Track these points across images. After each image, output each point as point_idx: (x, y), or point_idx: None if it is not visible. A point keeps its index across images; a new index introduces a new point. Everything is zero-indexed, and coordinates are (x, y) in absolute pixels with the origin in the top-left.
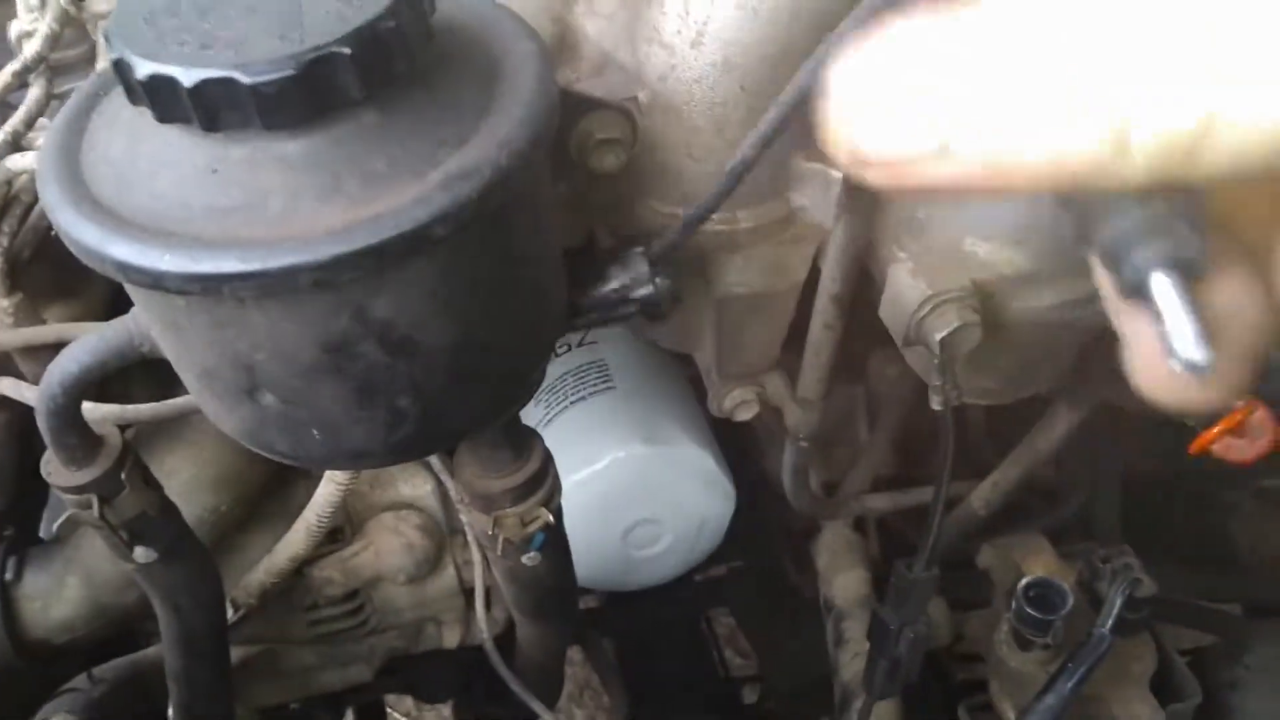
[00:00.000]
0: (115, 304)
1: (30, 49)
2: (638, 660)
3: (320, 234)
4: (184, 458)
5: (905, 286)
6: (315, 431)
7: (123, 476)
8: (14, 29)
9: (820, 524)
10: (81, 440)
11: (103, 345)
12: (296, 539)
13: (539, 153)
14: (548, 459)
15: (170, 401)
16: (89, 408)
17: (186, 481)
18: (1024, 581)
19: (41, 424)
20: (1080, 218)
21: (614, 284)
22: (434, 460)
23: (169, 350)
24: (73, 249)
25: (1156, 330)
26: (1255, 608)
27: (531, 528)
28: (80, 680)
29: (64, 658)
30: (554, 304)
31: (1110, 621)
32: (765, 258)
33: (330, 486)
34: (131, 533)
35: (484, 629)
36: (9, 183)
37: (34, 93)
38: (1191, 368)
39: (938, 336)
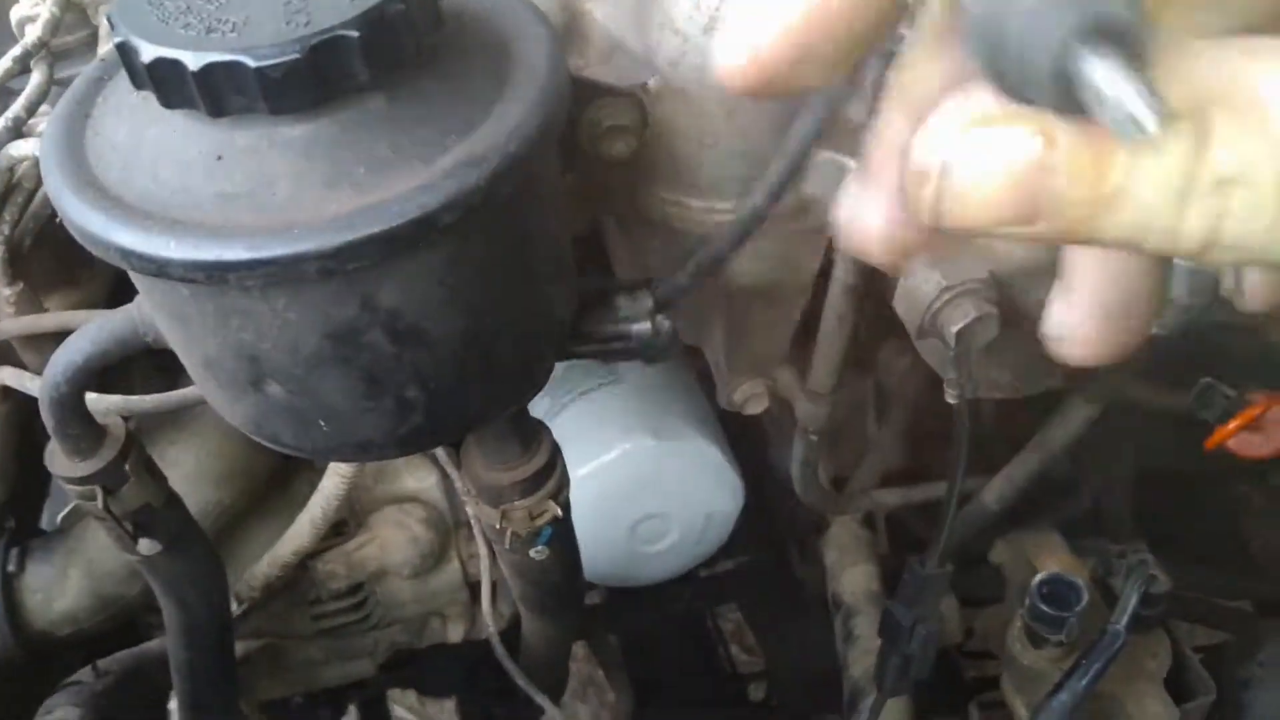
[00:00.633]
0: (118, 293)
1: (32, 34)
2: (643, 656)
3: (326, 221)
4: (188, 449)
5: (921, 278)
6: (321, 422)
7: (127, 468)
8: (15, 14)
9: (829, 519)
10: (85, 431)
11: (106, 334)
12: (301, 532)
13: (548, 140)
14: (556, 452)
15: (174, 392)
16: (92, 399)
17: (190, 473)
18: (1038, 578)
19: (45, 414)
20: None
21: (617, 316)
22: (439, 453)
23: (173, 339)
24: (77, 236)
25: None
26: (1269, 605)
27: (539, 521)
28: (84, 673)
29: (67, 650)
30: (562, 293)
31: (1125, 618)
32: (776, 249)
33: (335, 479)
34: (135, 524)
35: (489, 623)
36: (11, 170)
37: (36, 78)
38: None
39: (954, 329)
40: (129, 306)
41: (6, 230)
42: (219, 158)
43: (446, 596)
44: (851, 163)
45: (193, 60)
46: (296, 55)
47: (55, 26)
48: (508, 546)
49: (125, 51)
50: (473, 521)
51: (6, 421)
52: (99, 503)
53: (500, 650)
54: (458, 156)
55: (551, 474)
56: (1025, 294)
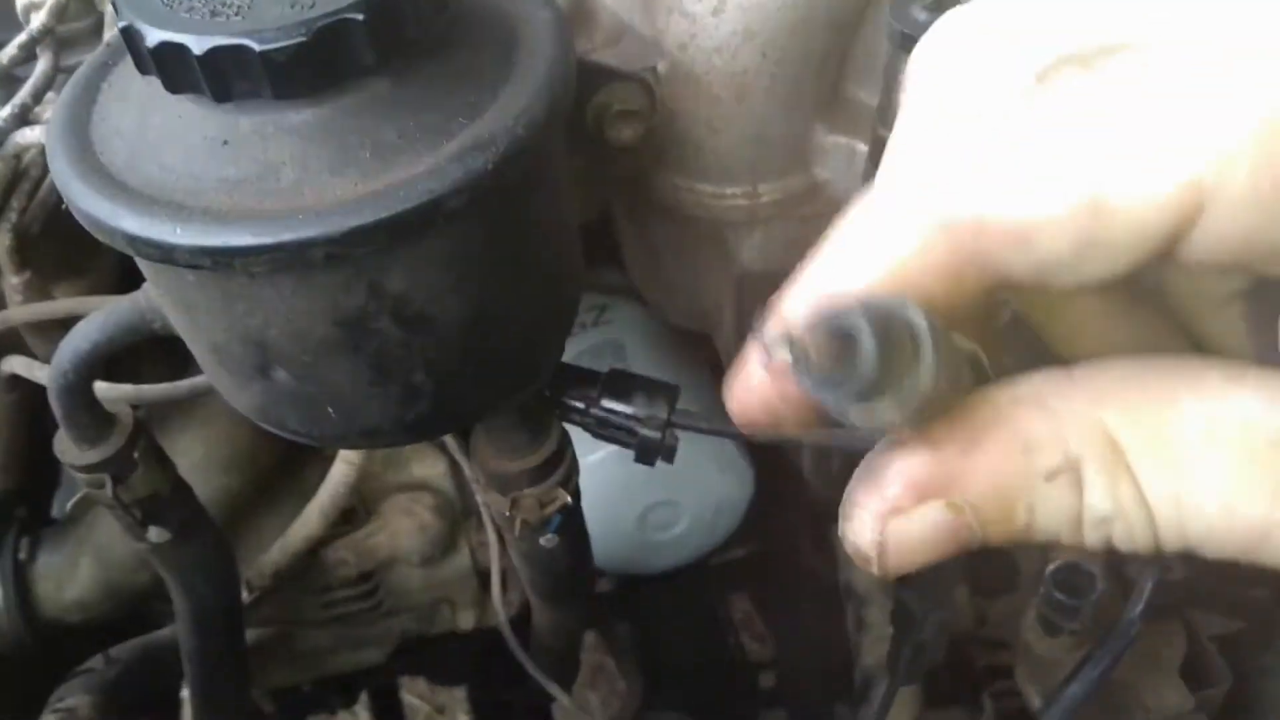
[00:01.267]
0: (125, 280)
1: (37, 21)
2: (653, 644)
3: (332, 207)
4: (196, 437)
5: None
6: (329, 409)
7: (135, 455)
8: (21, 1)
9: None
10: (93, 419)
11: (113, 322)
12: (310, 520)
13: (556, 124)
14: (565, 439)
15: (183, 381)
16: (101, 388)
17: (199, 461)
18: (1052, 566)
19: (53, 402)
20: None
21: (630, 409)
22: (448, 440)
23: (180, 327)
24: (83, 222)
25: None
26: None
27: (549, 509)
28: (96, 661)
29: (78, 637)
30: (571, 280)
31: (1140, 606)
32: (786, 233)
33: (343, 467)
34: (145, 512)
35: (500, 611)
36: (17, 157)
37: (41, 65)
38: None
39: None
40: (136, 294)
41: (14, 218)
42: (224, 142)
43: (456, 584)
44: (862, 145)
45: (197, 44)
46: (302, 38)
47: (60, 13)
48: (517, 534)
49: (130, 36)
50: (482, 509)
51: (16, 410)
52: (108, 491)
53: (510, 638)
54: (464, 141)
55: (561, 462)
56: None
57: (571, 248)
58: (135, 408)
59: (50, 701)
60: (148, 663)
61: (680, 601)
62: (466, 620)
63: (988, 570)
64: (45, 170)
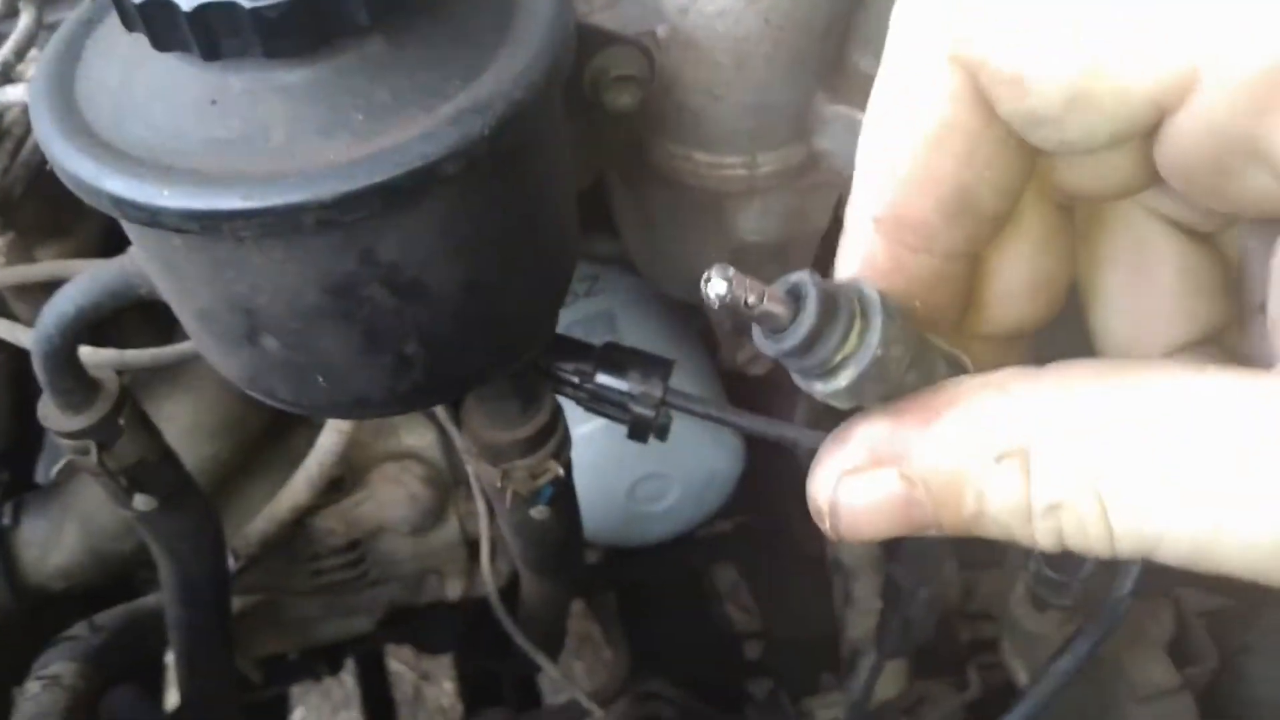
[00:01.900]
0: (110, 243)
1: None
2: (640, 614)
3: (323, 170)
4: (183, 404)
5: None
6: (319, 378)
7: (121, 422)
8: None
9: None
10: (78, 384)
11: (98, 286)
12: (298, 488)
13: (554, 88)
14: (557, 411)
15: (169, 347)
16: (86, 353)
17: (186, 428)
18: None
19: (37, 367)
20: None
21: (625, 385)
22: (439, 410)
23: (166, 292)
24: (67, 183)
25: None
26: None
27: (540, 480)
28: (80, 628)
29: (62, 604)
30: (567, 249)
31: (1129, 583)
32: (785, 204)
33: (332, 435)
34: (131, 479)
35: (488, 581)
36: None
37: (24, 21)
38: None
39: None
40: (122, 257)
41: None
42: (213, 102)
43: (445, 554)
44: (863, 116)
45: (185, 0)
46: None
47: None
48: (508, 506)
49: None
50: (472, 480)
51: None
52: (93, 458)
53: (499, 608)
54: (460, 104)
55: (553, 433)
56: None
57: (568, 215)
58: (121, 374)
59: (34, 669)
60: (133, 630)
61: (668, 572)
62: (454, 590)
63: (975, 544)
64: (28, 130)
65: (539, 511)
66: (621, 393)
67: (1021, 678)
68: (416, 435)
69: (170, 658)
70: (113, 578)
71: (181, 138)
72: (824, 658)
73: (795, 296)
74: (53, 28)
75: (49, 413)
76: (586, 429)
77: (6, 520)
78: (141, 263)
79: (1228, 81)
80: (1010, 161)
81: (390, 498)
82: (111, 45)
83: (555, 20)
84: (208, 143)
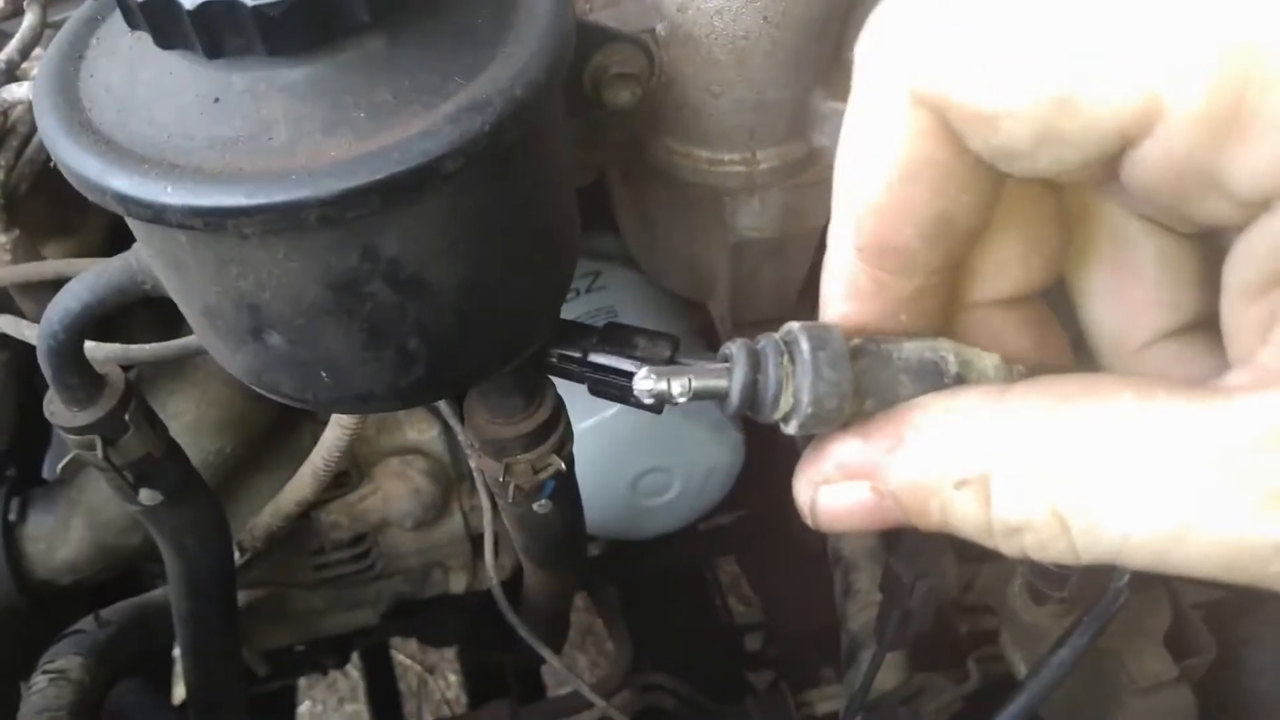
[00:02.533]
0: (115, 240)
1: None
2: (642, 607)
3: (326, 167)
4: (188, 399)
5: None
6: (322, 373)
7: (126, 417)
8: None
9: None
10: (83, 380)
11: (103, 282)
12: (303, 483)
13: (554, 85)
14: (559, 405)
15: (174, 341)
16: (91, 347)
17: (191, 423)
18: None
19: (42, 363)
20: None
21: (632, 355)
22: (442, 405)
23: (171, 288)
24: (72, 181)
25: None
26: None
27: (543, 475)
28: (87, 622)
29: (69, 598)
30: (567, 245)
31: (1127, 575)
32: (784, 201)
33: (337, 430)
34: (136, 474)
35: (491, 575)
36: (4, 114)
37: (29, 20)
38: None
39: None
40: (127, 254)
41: (1, 176)
42: (216, 100)
43: (448, 548)
44: None
45: None
46: None
47: None
48: (510, 500)
49: None
50: (475, 474)
51: (6, 369)
52: (99, 453)
53: (502, 601)
54: (461, 101)
55: (555, 427)
56: None
57: (568, 212)
58: (126, 369)
59: (41, 663)
60: (139, 624)
61: (669, 565)
62: (458, 583)
63: None
64: (33, 128)
65: (541, 505)
66: (630, 358)
67: (1020, 669)
68: (420, 430)
69: (177, 651)
70: (119, 572)
71: (186, 135)
72: (824, 650)
73: (725, 363)
74: (58, 26)
75: (55, 408)
76: (588, 424)
77: (13, 515)
78: (147, 259)
79: (1187, 115)
80: (983, 183)
81: (395, 492)
82: (115, 43)
83: (555, 18)
84: (212, 140)
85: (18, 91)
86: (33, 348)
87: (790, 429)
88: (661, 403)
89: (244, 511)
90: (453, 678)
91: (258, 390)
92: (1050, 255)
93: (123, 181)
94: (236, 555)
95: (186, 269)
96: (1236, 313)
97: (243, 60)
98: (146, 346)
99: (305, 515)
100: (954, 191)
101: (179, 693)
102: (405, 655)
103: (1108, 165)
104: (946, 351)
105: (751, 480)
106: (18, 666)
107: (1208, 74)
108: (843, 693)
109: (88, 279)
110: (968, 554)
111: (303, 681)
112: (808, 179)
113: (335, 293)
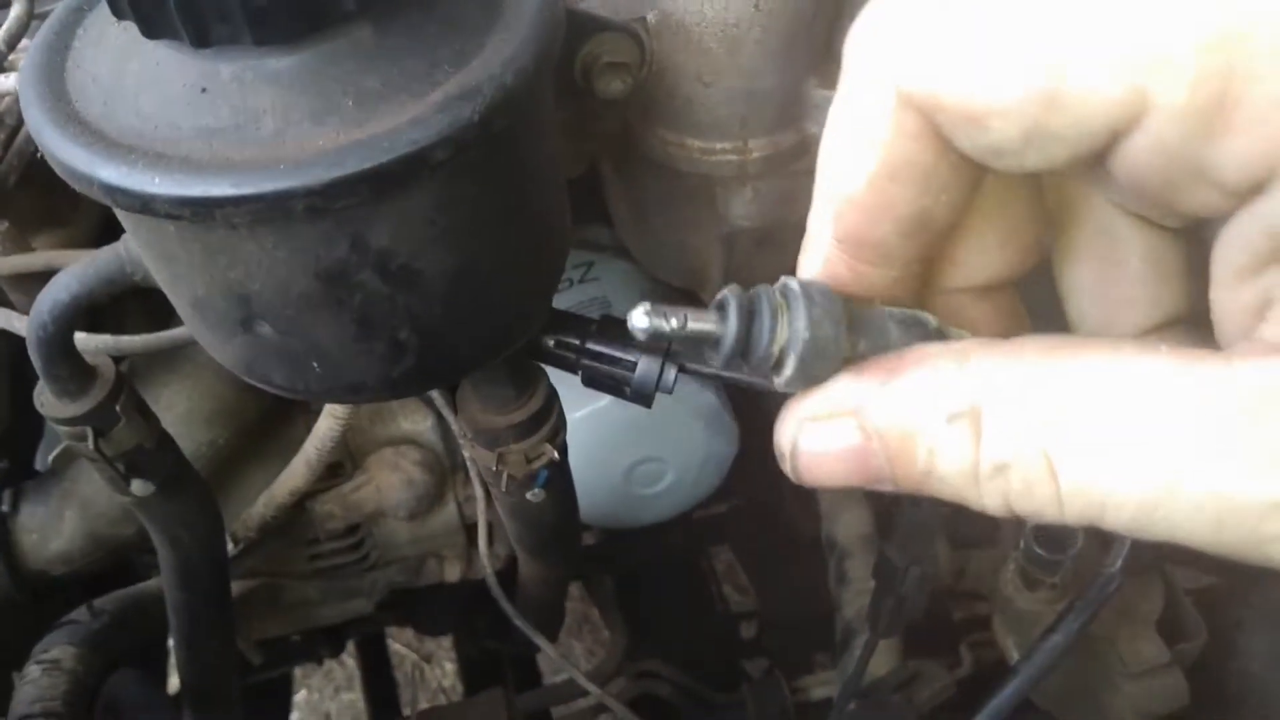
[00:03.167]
0: (105, 231)
1: None
2: (637, 595)
3: (314, 157)
4: (180, 390)
5: None
6: (313, 364)
7: (117, 408)
8: None
9: None
10: (74, 371)
11: (93, 273)
12: (296, 473)
13: (544, 74)
14: (552, 395)
15: (165, 332)
16: (81, 338)
17: (183, 414)
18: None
19: (32, 354)
20: None
21: (628, 355)
22: (435, 395)
23: (161, 279)
24: (59, 172)
25: None
26: None
27: (536, 464)
28: (80, 612)
29: (62, 589)
30: (558, 234)
31: (1119, 561)
32: (776, 190)
33: (330, 421)
34: (128, 465)
35: (486, 564)
36: None
37: (15, 10)
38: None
39: None
40: (116, 245)
41: None
42: (203, 90)
43: (443, 538)
44: None
45: None
46: None
47: None
48: (504, 489)
49: None
50: (469, 464)
51: None
52: (90, 444)
53: (496, 590)
54: (450, 90)
55: (548, 417)
56: None
57: (559, 201)
58: (117, 360)
59: (34, 653)
60: (133, 614)
61: (664, 554)
62: (453, 573)
63: (967, 523)
64: (21, 119)
65: (535, 495)
66: (625, 346)
67: (1013, 655)
68: (414, 420)
69: (171, 641)
70: (113, 562)
71: (173, 126)
72: (818, 637)
73: (720, 308)
74: (44, 17)
75: (45, 399)
76: (582, 413)
77: (6, 506)
78: (136, 250)
79: (1174, 106)
80: (964, 181)
81: (388, 482)
82: (102, 33)
83: (544, 6)
84: (199, 130)
85: (5, 83)
86: (23, 339)
87: (787, 370)
88: (656, 338)
89: (237, 502)
90: (449, 666)
91: (249, 381)
92: (1025, 245)
93: (110, 172)
94: (230, 546)
95: (175, 260)
96: (1228, 296)
97: (230, 49)
98: (137, 338)
99: (299, 506)
100: (936, 190)
101: (174, 683)
102: (401, 644)
103: (1094, 159)
104: (927, 316)
105: (746, 469)
106: (11, 657)
107: (1193, 65)
108: (836, 679)
109: (77, 270)
110: (961, 540)
111: (299, 671)
112: (800, 168)
113: (325, 283)
